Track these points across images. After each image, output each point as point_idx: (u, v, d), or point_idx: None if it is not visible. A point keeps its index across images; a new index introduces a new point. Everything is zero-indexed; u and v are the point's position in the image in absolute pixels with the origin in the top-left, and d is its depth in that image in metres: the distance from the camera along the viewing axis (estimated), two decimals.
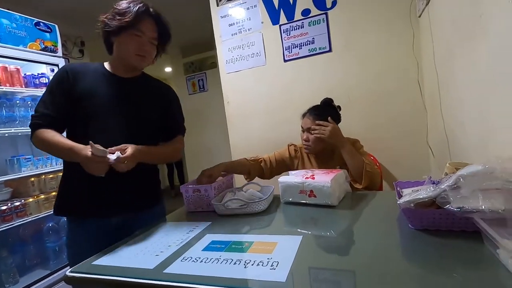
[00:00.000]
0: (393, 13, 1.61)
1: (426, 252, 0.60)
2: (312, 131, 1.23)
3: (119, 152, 0.87)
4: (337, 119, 1.29)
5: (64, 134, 0.99)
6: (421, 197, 0.66)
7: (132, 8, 0.93)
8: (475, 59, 0.90)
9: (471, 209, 0.57)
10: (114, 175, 0.88)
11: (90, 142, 0.83)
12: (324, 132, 1.19)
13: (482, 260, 0.54)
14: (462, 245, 0.59)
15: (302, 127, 1.32)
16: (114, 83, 1.01)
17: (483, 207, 0.56)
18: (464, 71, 1.01)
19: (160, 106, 1.08)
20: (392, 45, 1.63)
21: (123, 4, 0.95)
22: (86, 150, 0.85)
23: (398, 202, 0.71)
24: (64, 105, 0.95)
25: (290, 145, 1.44)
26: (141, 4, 0.95)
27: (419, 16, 1.52)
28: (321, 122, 1.21)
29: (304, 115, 1.33)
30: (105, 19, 0.96)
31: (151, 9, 0.97)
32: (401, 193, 0.83)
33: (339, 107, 1.35)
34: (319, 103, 1.35)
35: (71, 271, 0.70)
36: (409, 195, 0.70)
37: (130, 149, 0.90)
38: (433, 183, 0.74)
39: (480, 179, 0.59)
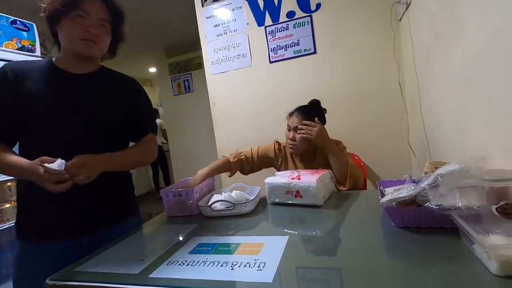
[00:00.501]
0: (374, 16, 1.65)
1: (407, 248, 0.62)
2: (299, 131, 1.23)
3: (60, 160, 0.75)
4: (323, 121, 1.30)
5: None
6: (402, 195, 0.68)
7: None
8: (450, 62, 0.94)
9: (449, 206, 0.59)
10: (79, 188, 0.78)
11: (39, 162, 0.72)
12: (311, 133, 1.20)
13: (459, 255, 0.56)
14: (441, 241, 0.62)
15: (288, 126, 1.31)
16: (64, 81, 0.86)
17: (460, 204, 0.58)
18: (441, 73, 1.05)
19: (124, 103, 0.95)
20: (374, 48, 1.67)
21: None
22: (38, 169, 0.73)
23: (381, 201, 0.73)
24: (7, 112, 0.81)
25: (276, 142, 1.43)
26: None
27: (400, 20, 1.57)
28: (308, 122, 1.22)
29: (291, 114, 1.32)
30: (46, 7, 0.81)
31: None
32: (383, 192, 0.85)
33: (325, 109, 1.37)
34: (307, 104, 1.36)
35: (51, 279, 0.67)
36: (391, 194, 0.73)
37: (79, 157, 0.78)
38: (414, 182, 0.76)
39: (456, 178, 0.61)
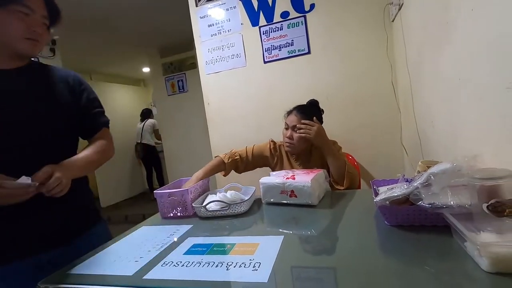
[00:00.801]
0: (368, 17, 1.66)
1: (401, 247, 0.63)
2: (298, 130, 1.23)
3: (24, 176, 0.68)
4: (320, 121, 1.30)
5: None
6: (396, 194, 0.69)
7: None
8: (442, 63, 0.96)
9: (441, 205, 0.60)
10: (31, 201, 0.70)
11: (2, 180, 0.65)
12: (310, 132, 1.20)
13: (451, 252, 0.57)
14: (434, 239, 0.63)
15: (286, 124, 1.31)
16: None
17: (452, 202, 0.59)
18: (433, 74, 1.06)
19: (67, 98, 0.87)
20: (368, 48, 1.69)
21: None
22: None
23: (375, 200, 0.73)
24: None
25: (271, 141, 1.43)
26: None
27: (393, 21, 1.59)
28: (307, 122, 1.22)
29: (289, 113, 1.32)
30: None
31: None
32: (377, 191, 0.86)
33: (322, 110, 1.37)
34: (305, 103, 1.36)
35: (42, 282, 0.66)
36: (384, 193, 0.73)
37: (48, 168, 0.72)
38: (407, 181, 0.77)
39: (449, 177, 0.62)
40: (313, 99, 1.37)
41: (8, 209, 0.69)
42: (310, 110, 1.30)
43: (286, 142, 1.29)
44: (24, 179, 0.68)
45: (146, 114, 4.83)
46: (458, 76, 0.84)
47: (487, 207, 0.54)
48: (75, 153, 0.90)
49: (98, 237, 0.91)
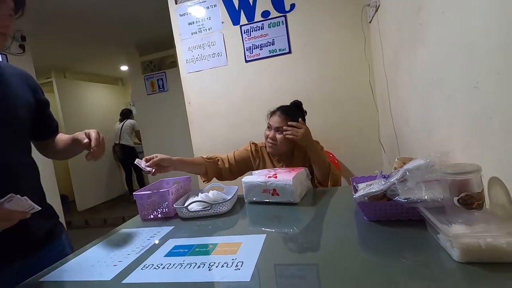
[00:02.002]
0: (346, 18, 1.70)
1: (379, 241, 0.65)
2: (284, 132, 1.21)
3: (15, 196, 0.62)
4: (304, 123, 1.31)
5: None
6: (374, 190, 0.71)
7: None
8: (416, 63, 1.00)
9: (416, 199, 0.62)
10: None
11: (11, 194, 0.60)
12: (297, 134, 1.19)
13: (426, 245, 0.60)
14: (409, 233, 0.65)
15: (269, 125, 1.30)
16: None
17: (426, 197, 0.62)
18: (408, 74, 1.11)
19: (29, 98, 0.84)
20: (347, 49, 1.73)
21: None
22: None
23: (354, 196, 0.75)
24: None
25: (252, 143, 1.42)
26: None
27: (370, 22, 1.63)
28: (294, 124, 1.20)
29: (272, 113, 1.31)
30: None
31: None
32: (356, 188, 0.88)
33: (305, 112, 1.38)
34: (289, 104, 1.35)
35: None
36: (363, 189, 0.76)
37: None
38: (384, 177, 0.80)
39: (422, 172, 0.65)
40: (297, 101, 1.36)
41: None
42: (294, 112, 1.30)
43: (269, 143, 1.28)
44: (22, 201, 0.63)
45: (126, 114, 4.69)
46: (431, 76, 0.88)
47: (458, 200, 0.57)
48: (31, 153, 0.86)
49: (63, 249, 0.88)
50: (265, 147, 1.35)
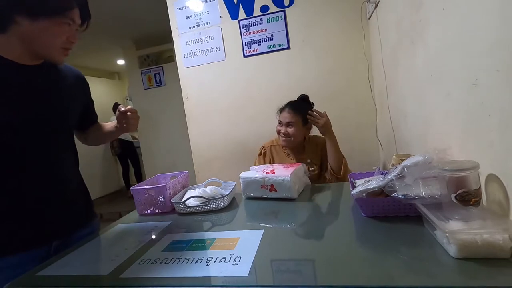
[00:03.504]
0: (345, 14, 1.69)
1: (376, 237, 0.66)
2: (308, 117, 1.30)
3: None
4: None
5: None
6: (372, 187, 0.71)
7: None
8: (415, 60, 0.99)
9: (413, 196, 0.63)
10: (31, 196, 0.78)
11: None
12: (319, 121, 1.28)
13: (423, 240, 0.60)
14: (407, 229, 0.66)
15: (280, 121, 1.38)
16: (25, 75, 0.78)
17: (423, 193, 0.62)
18: (406, 70, 1.11)
19: (81, 94, 0.96)
20: (345, 45, 1.72)
21: None
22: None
23: (352, 192, 0.76)
24: None
25: (260, 149, 1.51)
26: None
27: (369, 18, 1.63)
28: (317, 111, 1.31)
29: (282, 110, 1.40)
30: None
31: None
32: (354, 184, 0.88)
33: (313, 104, 1.44)
34: (296, 99, 1.43)
35: (11, 285, 0.63)
36: (361, 185, 0.76)
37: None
38: (382, 173, 0.80)
39: (420, 169, 0.65)
40: (304, 94, 1.44)
41: (10, 203, 0.75)
42: (302, 105, 1.38)
43: (282, 137, 1.37)
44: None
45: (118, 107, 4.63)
46: (430, 73, 0.88)
47: (455, 197, 0.57)
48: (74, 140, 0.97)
49: (93, 232, 0.93)
50: (272, 145, 1.48)
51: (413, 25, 0.97)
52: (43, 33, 0.74)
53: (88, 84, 1.01)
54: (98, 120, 1.07)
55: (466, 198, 0.56)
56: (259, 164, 1.46)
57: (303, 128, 1.37)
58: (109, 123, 1.05)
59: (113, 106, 4.64)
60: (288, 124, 1.35)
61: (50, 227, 0.82)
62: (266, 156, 1.48)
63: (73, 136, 0.97)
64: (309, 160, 1.33)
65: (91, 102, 1.03)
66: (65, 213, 0.86)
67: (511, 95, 0.50)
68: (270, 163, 1.46)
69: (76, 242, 0.83)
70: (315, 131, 1.49)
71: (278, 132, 1.39)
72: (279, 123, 1.39)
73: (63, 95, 0.86)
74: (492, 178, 0.59)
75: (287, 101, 1.42)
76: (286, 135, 1.35)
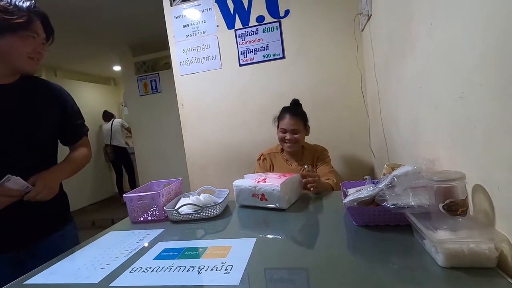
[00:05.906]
0: (339, 26, 1.73)
1: (367, 245, 0.66)
2: (309, 185, 1.13)
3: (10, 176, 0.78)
4: (306, 117, 1.46)
5: None
6: (363, 196, 0.72)
7: (21, 5, 0.81)
8: (405, 71, 1.02)
9: (403, 205, 0.64)
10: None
11: (8, 175, 0.76)
12: (318, 185, 1.15)
13: (412, 249, 0.61)
14: (396, 238, 0.67)
15: (283, 129, 1.40)
16: None
17: (413, 203, 0.63)
18: (398, 82, 1.13)
19: (56, 113, 0.96)
20: (339, 56, 1.76)
21: None
22: None
23: (344, 201, 0.76)
24: None
25: (259, 157, 1.53)
26: (29, 2, 0.83)
27: (362, 30, 1.67)
28: (309, 174, 1.16)
29: (282, 117, 1.42)
30: None
31: (37, 8, 0.87)
32: (346, 193, 0.89)
33: (300, 105, 1.50)
34: (289, 104, 1.48)
35: None
36: (352, 194, 0.77)
37: (38, 180, 0.84)
38: (373, 183, 0.81)
39: (410, 179, 0.66)
40: (295, 99, 1.49)
41: None
42: (299, 110, 1.45)
43: (288, 144, 1.40)
44: (18, 180, 0.77)
45: (108, 115, 4.57)
46: (419, 85, 0.90)
47: (443, 207, 0.58)
48: (56, 156, 1.00)
49: (69, 236, 0.98)
50: (271, 153, 1.51)
51: (404, 38, 1.00)
52: (10, 47, 0.83)
53: (69, 101, 1.02)
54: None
55: (453, 208, 0.57)
56: (259, 168, 1.50)
57: (304, 130, 1.44)
58: (67, 160, 1.02)
59: (103, 113, 4.61)
60: (293, 131, 1.39)
61: (21, 232, 0.86)
62: (266, 161, 1.50)
63: (54, 153, 0.99)
64: (306, 166, 1.31)
65: (72, 120, 1.02)
66: (38, 218, 0.90)
67: (495, 108, 0.52)
68: (270, 167, 1.49)
69: (49, 246, 0.87)
70: (314, 134, 1.52)
71: (282, 139, 1.41)
72: (282, 131, 1.41)
73: (34, 114, 0.90)
74: (478, 188, 0.60)
75: (281, 108, 1.45)
76: (293, 141, 1.39)
